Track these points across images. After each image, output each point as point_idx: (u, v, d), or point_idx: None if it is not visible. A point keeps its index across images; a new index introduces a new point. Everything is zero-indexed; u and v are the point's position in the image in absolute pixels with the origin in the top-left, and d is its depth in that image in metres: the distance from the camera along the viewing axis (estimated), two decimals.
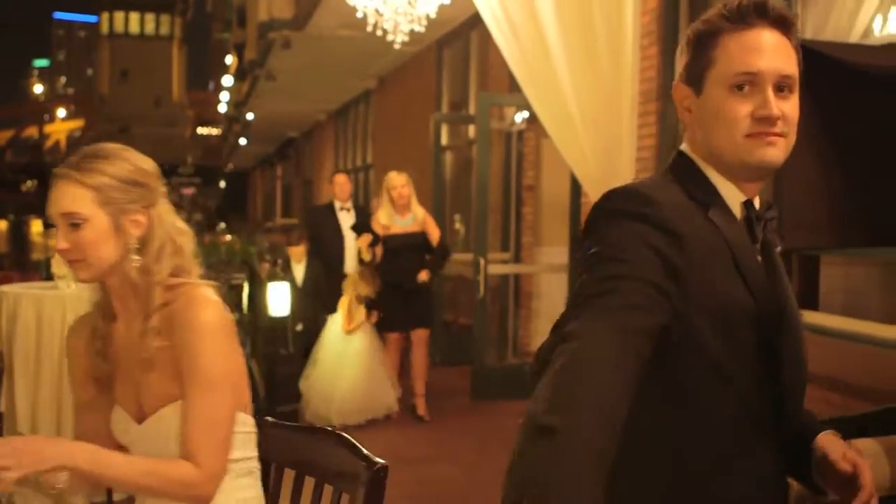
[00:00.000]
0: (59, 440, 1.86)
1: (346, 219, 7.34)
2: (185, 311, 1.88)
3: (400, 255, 6.57)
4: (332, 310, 6.76)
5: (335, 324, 6.61)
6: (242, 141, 29.61)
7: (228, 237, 8.57)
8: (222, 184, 49.65)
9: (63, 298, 4.91)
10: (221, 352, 1.87)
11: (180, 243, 1.98)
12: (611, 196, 1.48)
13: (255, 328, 6.86)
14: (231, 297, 6.76)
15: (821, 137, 3.49)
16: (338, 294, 6.73)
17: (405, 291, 6.61)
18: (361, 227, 6.85)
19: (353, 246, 7.00)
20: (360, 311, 6.55)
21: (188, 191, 38.18)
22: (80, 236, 1.89)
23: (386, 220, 6.64)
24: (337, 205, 7.40)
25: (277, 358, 6.56)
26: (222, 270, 7.00)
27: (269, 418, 1.81)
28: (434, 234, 6.69)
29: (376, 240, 6.54)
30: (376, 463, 1.50)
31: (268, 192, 33.70)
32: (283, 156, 29.67)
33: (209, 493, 1.87)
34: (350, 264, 7.10)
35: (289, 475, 1.86)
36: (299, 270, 7.38)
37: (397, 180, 6.67)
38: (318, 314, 7.06)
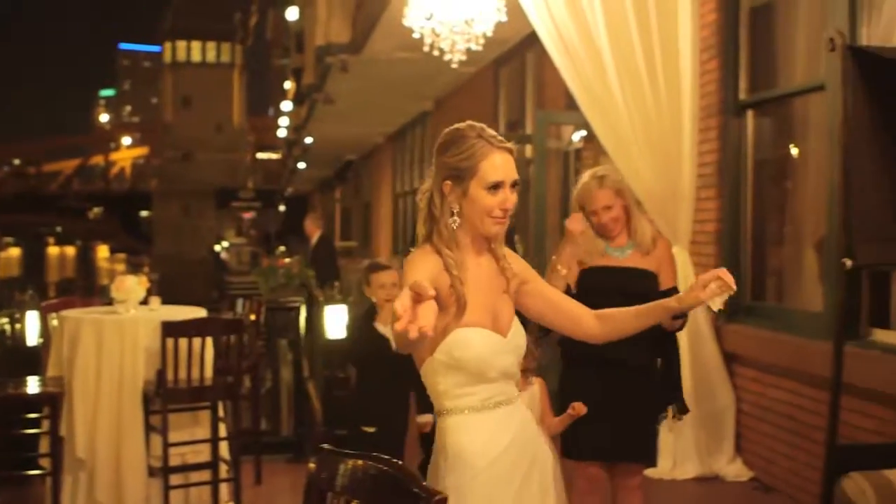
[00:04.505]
0: None
1: None
2: None
3: (604, 303, 3.08)
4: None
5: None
6: (301, 165, 29.90)
7: (287, 260, 8.62)
8: (282, 207, 50.18)
9: (122, 323, 4.95)
10: None
11: None
12: None
13: (311, 351, 6.84)
14: (289, 319, 6.75)
15: (892, 153, 3.38)
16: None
17: (614, 377, 3.64)
18: None
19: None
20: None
21: (248, 215, 38.61)
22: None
23: (582, 253, 3.74)
24: None
25: (335, 381, 6.52)
26: (280, 293, 6.99)
27: (326, 446, 1.76)
28: (667, 274, 3.78)
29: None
30: (435, 493, 1.44)
31: (327, 215, 33.95)
32: (342, 179, 29.89)
33: None
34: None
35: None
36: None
37: (599, 195, 3.70)
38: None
